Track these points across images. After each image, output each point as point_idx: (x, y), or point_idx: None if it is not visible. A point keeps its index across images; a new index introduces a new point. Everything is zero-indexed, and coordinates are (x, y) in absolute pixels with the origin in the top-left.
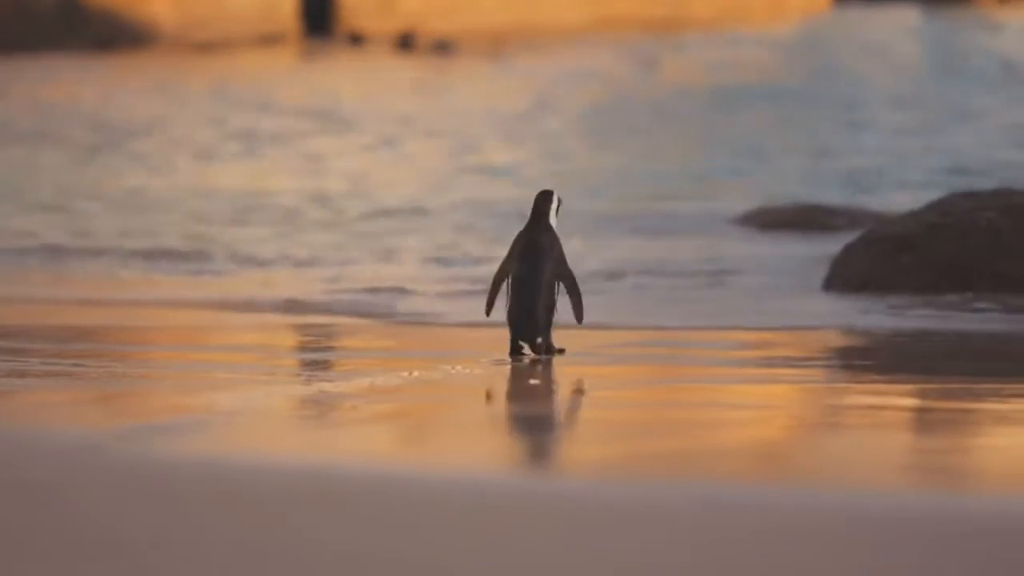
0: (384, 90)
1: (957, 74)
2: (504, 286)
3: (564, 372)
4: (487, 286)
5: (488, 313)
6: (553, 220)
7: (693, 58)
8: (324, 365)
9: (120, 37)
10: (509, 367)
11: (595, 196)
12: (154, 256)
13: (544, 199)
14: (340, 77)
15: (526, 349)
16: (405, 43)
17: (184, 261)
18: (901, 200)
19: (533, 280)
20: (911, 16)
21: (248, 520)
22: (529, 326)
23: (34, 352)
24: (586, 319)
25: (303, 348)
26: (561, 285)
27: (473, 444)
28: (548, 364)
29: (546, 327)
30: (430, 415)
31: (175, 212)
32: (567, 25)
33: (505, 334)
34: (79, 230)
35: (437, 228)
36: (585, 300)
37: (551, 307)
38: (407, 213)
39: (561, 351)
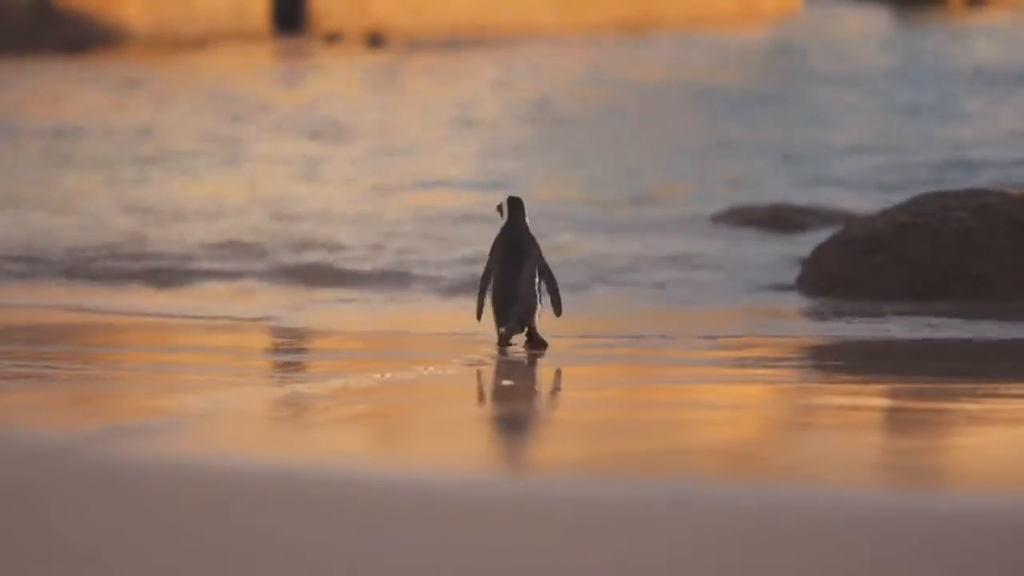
0: (348, 90)
1: (926, 76)
2: (489, 287)
3: (538, 373)
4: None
5: (479, 317)
6: (528, 222)
7: (665, 60)
8: (296, 367)
9: (92, 39)
10: (480, 368)
11: (567, 196)
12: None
13: (516, 204)
14: (304, 77)
15: (515, 340)
16: (375, 41)
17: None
18: (873, 200)
19: (515, 277)
20: (881, 18)
21: (220, 523)
22: (516, 319)
23: (5, 354)
24: (559, 320)
25: (275, 350)
26: (542, 282)
27: (447, 445)
28: (532, 361)
29: (531, 320)
30: (404, 416)
31: (123, 218)
32: (539, 27)
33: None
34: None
35: (398, 233)
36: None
37: (534, 304)
38: (370, 219)
39: (545, 344)
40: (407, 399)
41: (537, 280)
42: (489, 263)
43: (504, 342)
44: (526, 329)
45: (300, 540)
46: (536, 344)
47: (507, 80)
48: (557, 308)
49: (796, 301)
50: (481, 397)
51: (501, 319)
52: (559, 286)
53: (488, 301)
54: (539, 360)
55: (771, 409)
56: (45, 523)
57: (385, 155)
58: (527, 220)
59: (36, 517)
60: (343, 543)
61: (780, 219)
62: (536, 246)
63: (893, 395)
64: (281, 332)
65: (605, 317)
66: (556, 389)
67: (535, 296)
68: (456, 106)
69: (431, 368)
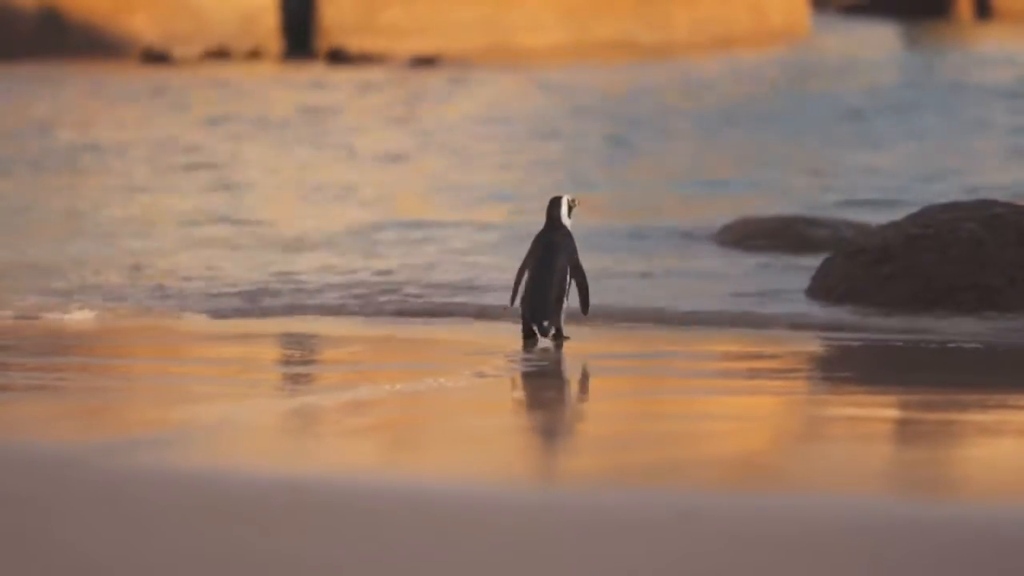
0: (358, 105)
1: (935, 92)
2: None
3: (548, 385)
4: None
5: (512, 303)
6: (567, 221)
7: (675, 78)
8: (307, 378)
9: (98, 49)
10: (490, 380)
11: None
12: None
13: (555, 204)
14: (286, 93)
15: (538, 333)
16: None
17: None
18: (883, 213)
19: (547, 274)
20: (889, 34)
21: (230, 535)
22: (540, 313)
23: (15, 366)
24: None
25: (286, 361)
26: (572, 280)
27: (457, 457)
28: (558, 349)
29: (556, 314)
30: (414, 428)
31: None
32: (550, 48)
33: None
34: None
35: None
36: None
37: (561, 297)
38: (370, 231)
39: (567, 338)
40: (418, 411)
41: (568, 278)
42: (528, 258)
43: (528, 336)
44: (552, 325)
45: (310, 551)
46: (558, 337)
47: (517, 97)
48: (584, 307)
49: (805, 312)
50: (490, 409)
51: (528, 316)
52: (588, 285)
53: (520, 299)
54: (549, 372)
55: (780, 420)
56: (54, 534)
57: (398, 164)
58: (566, 218)
59: (45, 528)
60: (352, 554)
61: (789, 231)
62: (571, 245)
63: (902, 406)
64: (291, 344)
65: (612, 329)
66: (566, 401)
67: (564, 292)
68: (469, 120)
69: (441, 380)
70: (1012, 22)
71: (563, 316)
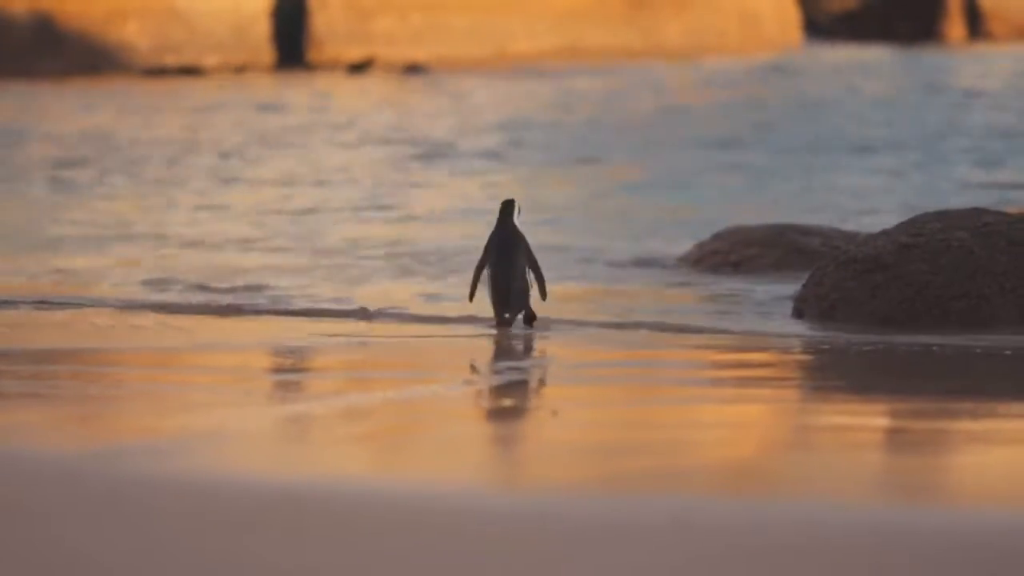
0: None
1: (925, 111)
2: (484, 276)
3: (538, 392)
4: None
5: (471, 299)
6: (517, 220)
7: (665, 86)
8: (299, 386)
9: (91, 62)
10: (480, 388)
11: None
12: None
13: (508, 206)
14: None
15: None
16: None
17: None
18: (872, 224)
19: (509, 268)
20: (881, 54)
21: (223, 542)
22: (512, 304)
23: (9, 373)
24: (559, 336)
25: (278, 369)
26: (530, 272)
27: (447, 464)
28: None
29: (524, 303)
30: (407, 435)
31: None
32: (539, 54)
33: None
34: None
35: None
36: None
37: (526, 288)
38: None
39: (535, 317)
40: (409, 418)
41: (527, 271)
42: (484, 256)
43: (505, 325)
44: (523, 312)
45: (304, 558)
46: (529, 320)
47: (504, 106)
48: (543, 294)
49: (795, 321)
50: (481, 416)
51: (501, 308)
52: (544, 274)
53: (488, 293)
54: (537, 379)
55: (772, 428)
56: (48, 541)
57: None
58: (516, 218)
59: (40, 535)
60: (347, 560)
61: (779, 239)
62: (525, 241)
63: (893, 414)
64: (282, 353)
65: (603, 337)
66: (555, 409)
67: (527, 284)
68: (455, 131)
69: (432, 387)
70: (1007, 38)
71: (528, 300)
